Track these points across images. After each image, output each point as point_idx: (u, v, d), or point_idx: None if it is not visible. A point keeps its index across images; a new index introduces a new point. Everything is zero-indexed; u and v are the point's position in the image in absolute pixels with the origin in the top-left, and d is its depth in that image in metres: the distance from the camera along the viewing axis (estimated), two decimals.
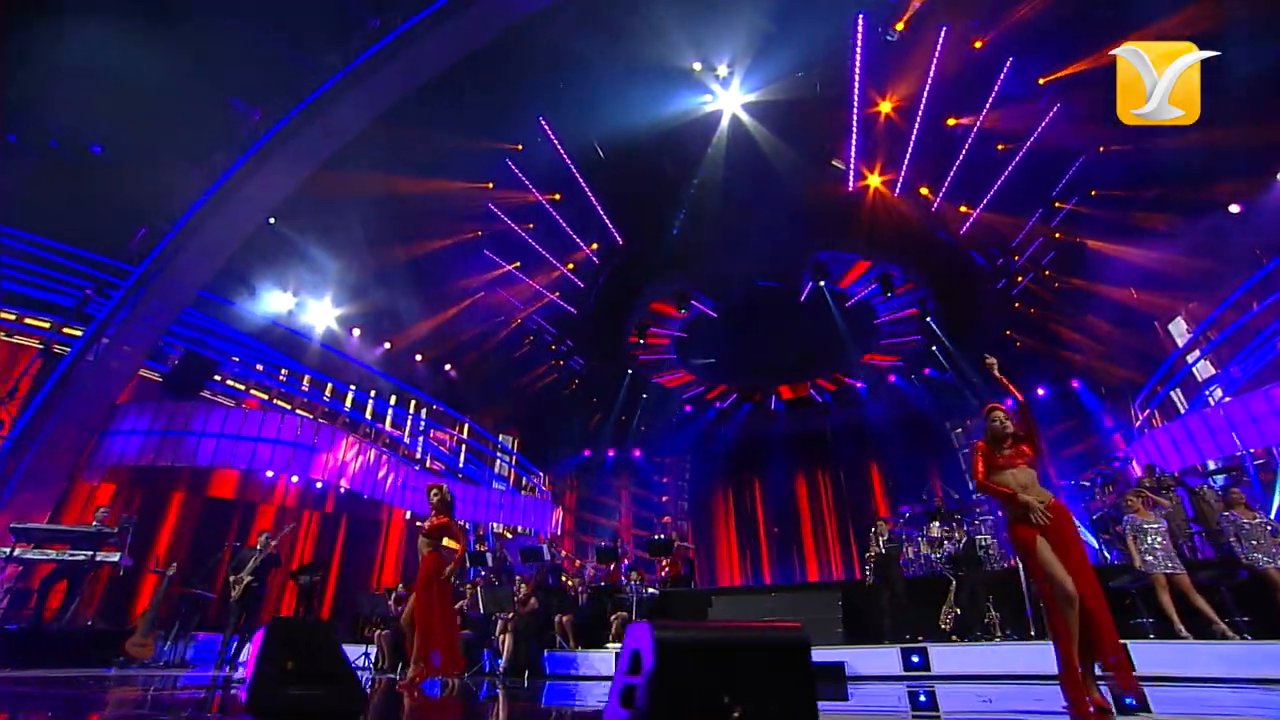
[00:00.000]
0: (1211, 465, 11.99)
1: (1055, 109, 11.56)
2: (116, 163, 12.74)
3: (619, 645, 9.07)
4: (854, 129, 11.83)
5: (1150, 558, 6.85)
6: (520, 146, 12.87)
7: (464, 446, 20.33)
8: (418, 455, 18.69)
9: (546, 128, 12.58)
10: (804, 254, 15.04)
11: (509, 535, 20.62)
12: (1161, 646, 6.43)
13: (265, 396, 15.67)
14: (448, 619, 5.42)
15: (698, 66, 13.20)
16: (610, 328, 17.73)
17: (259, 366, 15.61)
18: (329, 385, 16.67)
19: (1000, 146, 12.30)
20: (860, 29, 10.42)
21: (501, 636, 8.85)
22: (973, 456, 3.86)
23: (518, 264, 15.36)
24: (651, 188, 13.79)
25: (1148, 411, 14.68)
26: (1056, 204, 13.00)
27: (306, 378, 16.32)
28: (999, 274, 14.99)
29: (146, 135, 12.04)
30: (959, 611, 7.57)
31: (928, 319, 16.46)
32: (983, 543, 8.51)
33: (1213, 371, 14.24)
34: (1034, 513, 3.45)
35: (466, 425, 20.26)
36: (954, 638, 7.57)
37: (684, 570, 12.24)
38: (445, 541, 5.88)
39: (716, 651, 1.95)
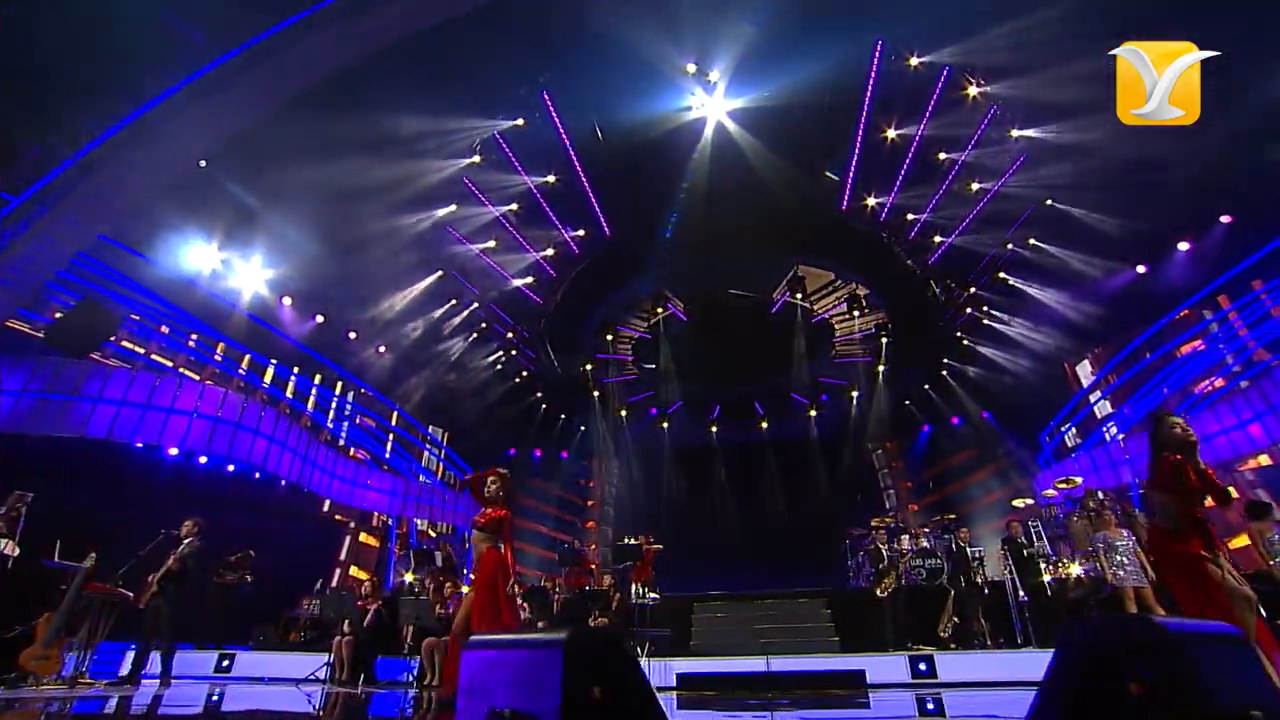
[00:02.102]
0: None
1: (1021, 159, 12.67)
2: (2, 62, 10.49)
3: None
4: (856, 150, 12.23)
5: (1121, 572, 7.51)
6: (523, 122, 12.01)
7: (391, 435, 18.71)
8: (341, 441, 16.93)
9: (549, 103, 11.86)
10: (783, 267, 15.31)
11: (433, 533, 19.21)
12: None
13: (170, 364, 13.46)
14: (513, 629, 4.76)
15: (691, 68, 13.11)
16: (573, 322, 17.04)
17: (164, 328, 13.39)
18: (247, 356, 14.65)
19: (972, 186, 13.27)
20: (877, 55, 10.78)
21: None
22: (1178, 469, 3.65)
23: (494, 243, 14.31)
24: (642, 186, 13.45)
25: (1054, 442, 16.43)
26: (1007, 245, 14.20)
27: (221, 345, 14.23)
28: (950, 305, 16.14)
29: (54, 34, 10.00)
30: (958, 620, 7.89)
31: (883, 339, 17.35)
32: (975, 555, 9.00)
33: (1110, 410, 16.23)
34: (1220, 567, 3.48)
35: (396, 413, 18.68)
36: (952, 646, 7.87)
37: (652, 574, 11.91)
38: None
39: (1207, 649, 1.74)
